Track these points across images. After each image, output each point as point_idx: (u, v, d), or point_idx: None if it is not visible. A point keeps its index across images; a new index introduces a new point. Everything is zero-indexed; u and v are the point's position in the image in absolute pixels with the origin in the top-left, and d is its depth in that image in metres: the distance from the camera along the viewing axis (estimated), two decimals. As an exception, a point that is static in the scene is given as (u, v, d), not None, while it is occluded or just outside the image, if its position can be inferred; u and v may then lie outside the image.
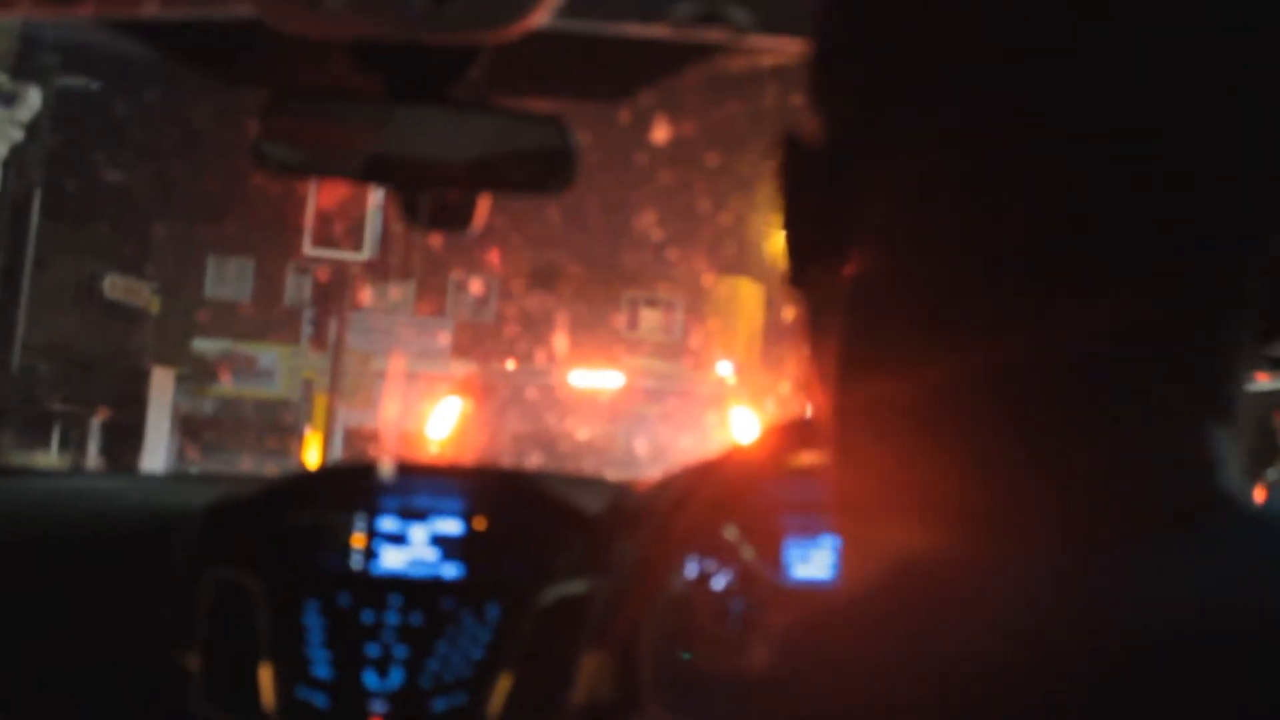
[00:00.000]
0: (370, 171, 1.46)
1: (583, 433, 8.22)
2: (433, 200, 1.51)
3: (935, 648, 0.45)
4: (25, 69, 14.27)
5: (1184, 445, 0.48)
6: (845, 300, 0.52)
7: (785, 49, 1.31)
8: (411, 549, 1.76)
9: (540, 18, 1.17)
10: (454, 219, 1.53)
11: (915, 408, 0.50)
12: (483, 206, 1.50)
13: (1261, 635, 0.43)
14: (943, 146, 0.49)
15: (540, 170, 1.41)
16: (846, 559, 0.54)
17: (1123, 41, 0.46)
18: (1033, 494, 0.48)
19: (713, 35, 1.24)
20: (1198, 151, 0.47)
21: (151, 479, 4.19)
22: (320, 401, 14.33)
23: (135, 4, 1.27)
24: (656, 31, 1.24)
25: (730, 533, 1.67)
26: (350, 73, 1.35)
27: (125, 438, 15.30)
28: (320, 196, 11.77)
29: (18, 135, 14.34)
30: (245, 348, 25.46)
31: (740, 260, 23.88)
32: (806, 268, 0.54)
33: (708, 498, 1.53)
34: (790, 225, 0.55)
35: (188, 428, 19.34)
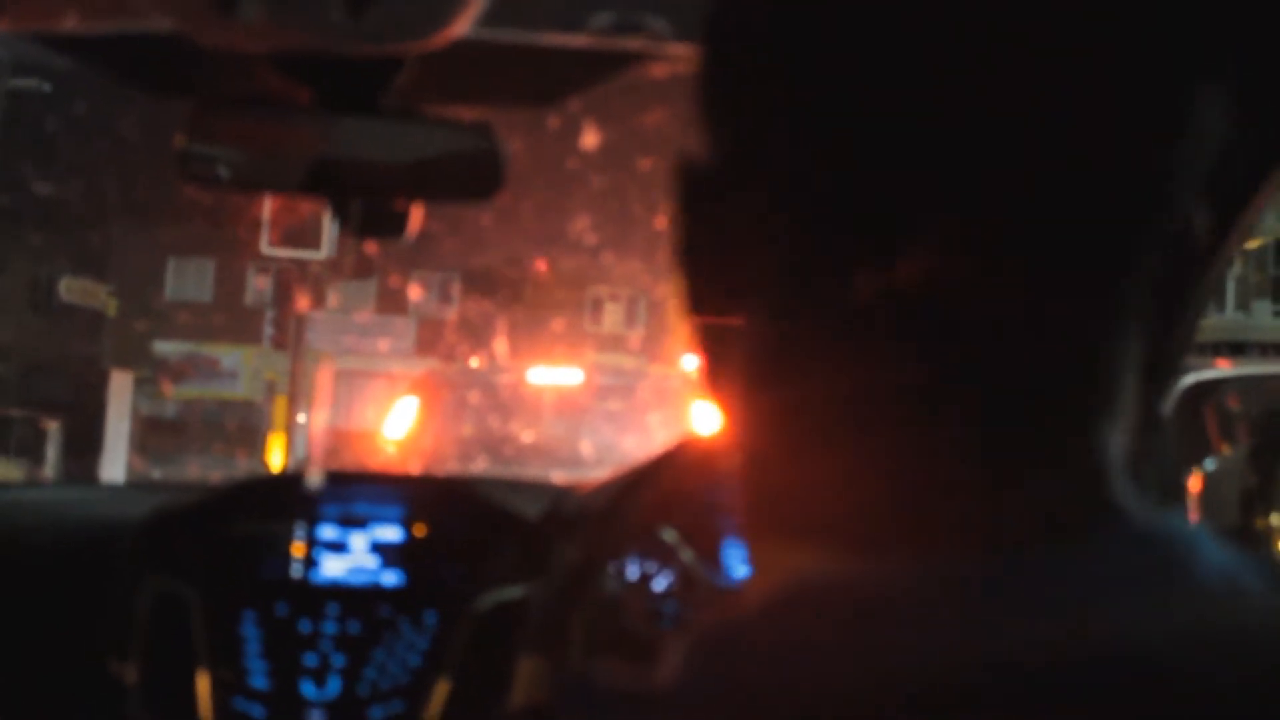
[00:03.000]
0: (299, 182, 1.46)
1: (539, 431, 8.20)
2: (365, 208, 1.51)
3: (826, 665, 0.45)
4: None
5: (1075, 454, 0.48)
6: (739, 326, 0.52)
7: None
8: (352, 556, 1.76)
9: (460, 28, 1.17)
10: (388, 226, 1.53)
11: (809, 426, 0.50)
12: (416, 213, 1.50)
13: (1117, 662, 0.44)
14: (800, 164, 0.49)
15: (470, 176, 1.42)
16: (754, 575, 0.54)
17: (967, 43, 0.47)
18: (921, 509, 0.48)
19: (633, 44, 1.24)
20: (1058, 158, 0.47)
21: (109, 488, 4.17)
22: (280, 403, 14.30)
23: (55, 19, 1.27)
24: (577, 41, 1.25)
25: (669, 534, 1.68)
26: (278, 83, 1.35)
27: (84, 443, 15.19)
28: (276, 197, 11.71)
29: (-31, 139, 14.24)
30: (208, 349, 25.33)
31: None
32: (704, 296, 0.54)
33: (646, 499, 1.53)
34: (684, 252, 0.54)
35: (149, 431, 19.22)
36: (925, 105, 0.47)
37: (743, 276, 0.52)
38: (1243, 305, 18.50)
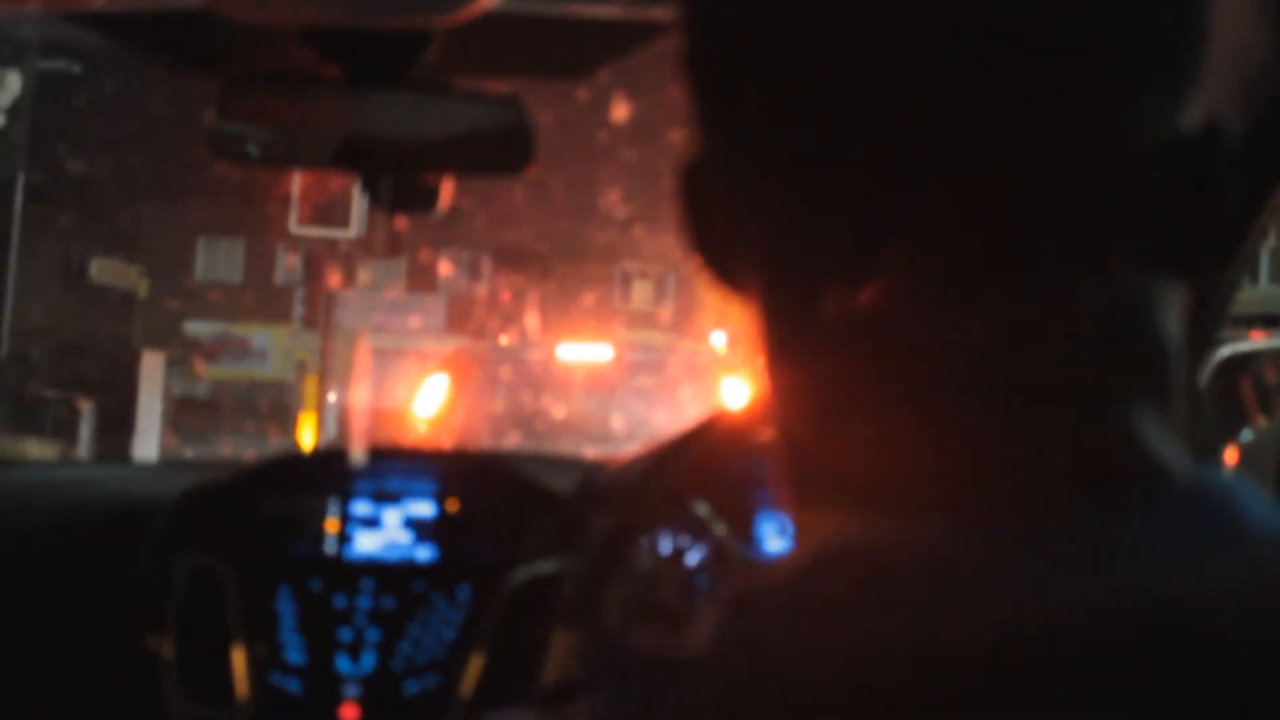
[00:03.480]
0: (329, 157, 1.46)
1: (569, 407, 8.21)
2: (396, 183, 1.51)
3: (867, 629, 0.45)
4: (4, 53, 14.23)
5: (1118, 415, 0.48)
6: (760, 298, 0.53)
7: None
8: (385, 532, 1.77)
9: (489, 1, 1.16)
10: (418, 201, 1.53)
11: (843, 392, 0.50)
12: (447, 188, 1.50)
13: (1165, 620, 0.44)
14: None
15: (500, 150, 1.42)
16: (794, 543, 0.54)
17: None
18: (963, 472, 0.48)
19: (662, 13, 1.24)
20: (1099, 140, 0.47)
21: (142, 467, 4.20)
22: (311, 382, 14.36)
23: (83, -5, 1.27)
24: (606, 11, 1.24)
25: (701, 508, 1.68)
26: (307, 59, 1.35)
27: (117, 423, 15.29)
28: (305, 174, 11.73)
29: (-1, 120, 14.32)
30: (238, 329, 25.44)
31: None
32: (729, 277, 0.55)
33: (678, 473, 1.54)
34: (700, 245, 0.55)
35: (181, 411, 19.32)
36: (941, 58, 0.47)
37: (756, 249, 0.52)
38: (1277, 278, 18.39)
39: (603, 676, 0.53)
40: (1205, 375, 1.69)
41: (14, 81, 14.19)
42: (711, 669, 0.47)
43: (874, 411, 0.49)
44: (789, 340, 0.52)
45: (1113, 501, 0.47)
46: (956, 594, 0.45)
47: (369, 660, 1.68)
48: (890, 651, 0.44)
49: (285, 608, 1.69)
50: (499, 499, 1.78)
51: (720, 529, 1.68)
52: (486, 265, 26.76)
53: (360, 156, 1.44)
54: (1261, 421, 6.77)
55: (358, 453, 1.80)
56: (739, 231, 0.53)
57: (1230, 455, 6.21)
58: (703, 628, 0.48)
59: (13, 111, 14.39)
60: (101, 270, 19.94)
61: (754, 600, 0.48)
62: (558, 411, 8.20)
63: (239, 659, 1.66)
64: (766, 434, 1.53)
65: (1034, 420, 0.48)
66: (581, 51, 1.51)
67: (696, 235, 0.55)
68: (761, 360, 0.54)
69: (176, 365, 19.81)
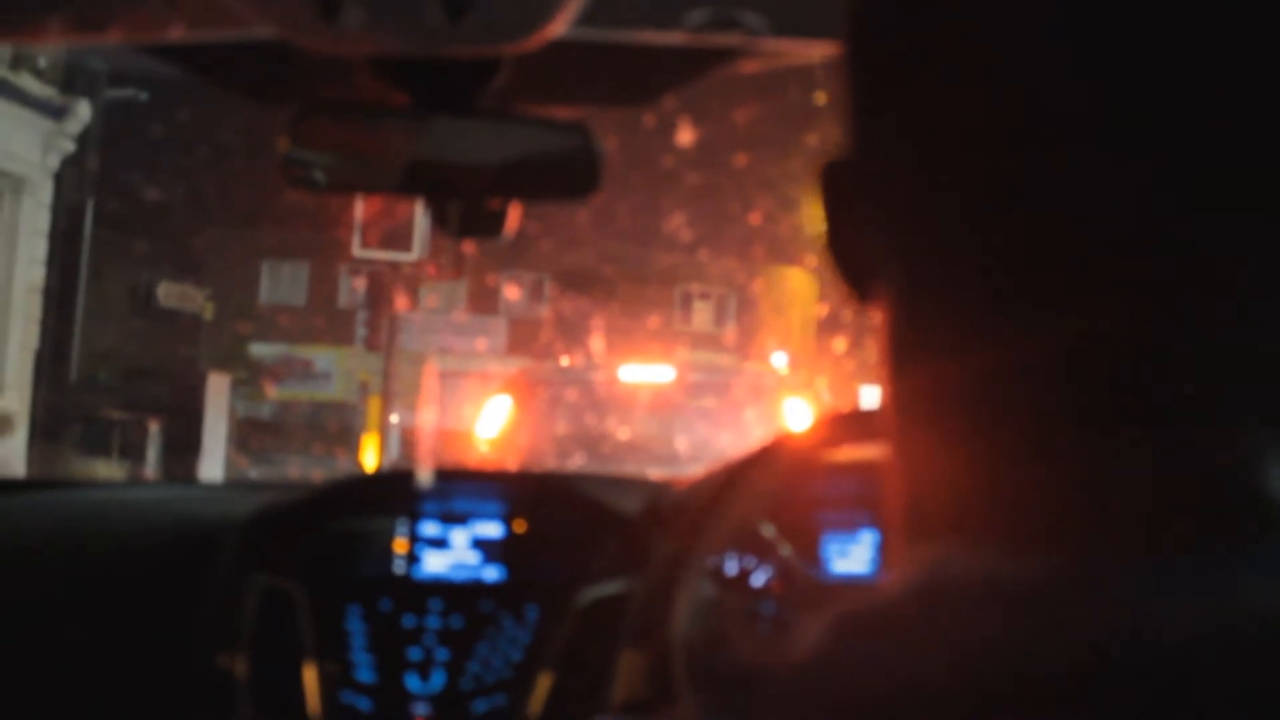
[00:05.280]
0: (398, 183, 1.48)
1: (633, 428, 8.21)
2: (464, 208, 1.53)
3: (967, 654, 0.44)
4: (74, 82, 14.44)
5: (1232, 452, 0.46)
6: (892, 308, 0.52)
7: (800, 51, 1.32)
8: (453, 552, 1.78)
9: (557, 28, 1.18)
10: (485, 226, 1.54)
11: (953, 420, 0.50)
12: (514, 213, 1.52)
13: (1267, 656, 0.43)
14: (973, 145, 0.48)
15: (567, 175, 1.43)
16: (897, 569, 0.53)
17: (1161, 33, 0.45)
18: (1070, 504, 0.47)
19: (728, 40, 1.25)
20: (1240, 151, 0.46)
21: (209, 487, 4.24)
22: (374, 403, 14.42)
23: (162, 29, 1.30)
24: (672, 38, 1.26)
25: (767, 529, 1.68)
26: (377, 87, 1.37)
27: (183, 444, 15.44)
28: (369, 198, 11.82)
29: (69, 147, 14.52)
30: (301, 351, 25.64)
31: (792, 251, 23.83)
32: (864, 284, 0.54)
33: (743, 494, 1.54)
34: (835, 246, 0.55)
35: (247, 432, 19.48)
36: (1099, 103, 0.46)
37: (897, 258, 0.51)
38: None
39: (689, 691, 0.52)
40: None
41: (84, 110, 14.40)
42: (824, 680, 0.46)
43: (989, 434, 0.48)
44: (915, 352, 0.51)
45: (1226, 540, 0.45)
46: (1071, 627, 0.44)
47: (438, 679, 1.70)
48: (998, 671, 0.44)
49: (355, 627, 1.71)
50: (565, 520, 1.79)
51: (786, 550, 1.69)
52: (549, 288, 26.83)
53: (428, 183, 1.46)
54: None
55: (424, 474, 1.82)
56: (881, 237, 0.52)
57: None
58: (809, 638, 0.48)
59: (82, 139, 14.60)
60: (168, 294, 20.16)
61: (861, 618, 0.48)
62: (621, 433, 8.19)
63: (310, 677, 1.68)
64: (850, 450, 1.53)
65: (1149, 452, 0.46)
66: (647, 78, 1.52)
67: (833, 236, 0.55)
68: (883, 373, 0.53)
69: (242, 387, 19.98)
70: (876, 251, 0.52)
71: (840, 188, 0.54)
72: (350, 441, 18.42)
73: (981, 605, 0.45)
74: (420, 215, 11.82)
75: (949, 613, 0.46)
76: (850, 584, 1.75)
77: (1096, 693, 0.43)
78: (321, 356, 25.75)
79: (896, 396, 0.52)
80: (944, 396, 0.50)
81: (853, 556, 1.77)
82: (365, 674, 1.69)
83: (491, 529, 1.79)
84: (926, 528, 0.51)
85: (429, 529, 1.79)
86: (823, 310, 24.37)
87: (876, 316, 0.53)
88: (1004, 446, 0.48)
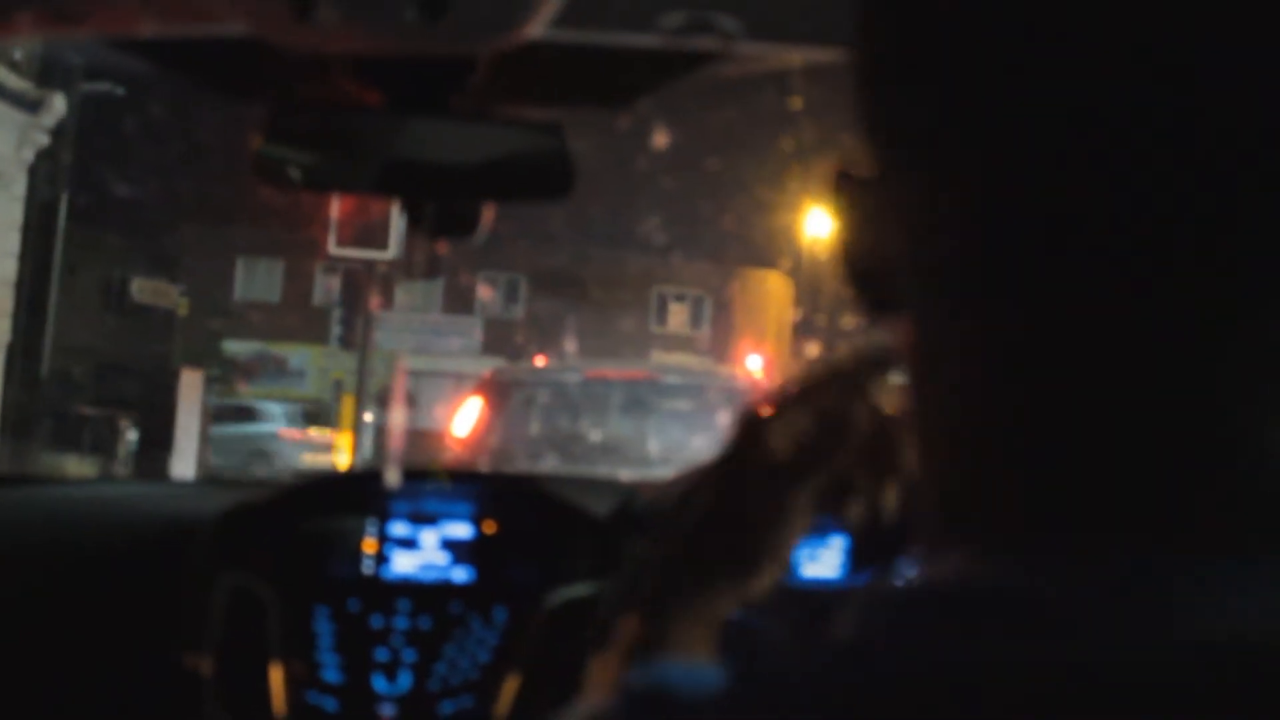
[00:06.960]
0: (373, 183, 1.48)
1: (605, 430, 8.19)
2: (438, 208, 1.53)
3: (990, 662, 0.44)
4: (49, 75, 14.38)
5: (1268, 458, 0.46)
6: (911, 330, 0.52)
7: (776, 55, 1.32)
8: (422, 553, 1.78)
9: (534, 30, 1.18)
10: (460, 226, 1.54)
11: (978, 422, 0.49)
12: (488, 213, 1.52)
13: None
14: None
15: (541, 177, 1.43)
16: (918, 573, 0.52)
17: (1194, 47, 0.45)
18: (1100, 510, 0.46)
19: (703, 43, 1.25)
20: (1241, 152, 0.45)
21: (179, 484, 4.22)
22: (348, 401, 14.38)
23: (137, 24, 1.29)
24: (648, 41, 1.25)
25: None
26: (352, 86, 1.37)
27: (156, 441, 15.38)
28: (345, 197, 11.78)
29: (43, 141, 14.45)
30: (276, 348, 25.57)
31: (768, 255, 23.87)
32: (875, 294, 0.54)
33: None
34: (852, 263, 0.54)
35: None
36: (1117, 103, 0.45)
37: (918, 269, 0.51)
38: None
39: (740, 657, 0.51)
40: None
41: (59, 104, 14.33)
42: (865, 653, 0.45)
43: (1026, 434, 0.48)
44: (938, 363, 0.51)
45: (1263, 548, 0.45)
46: (1095, 634, 0.43)
47: (405, 680, 1.69)
48: (1034, 685, 0.43)
49: (323, 627, 1.71)
50: (536, 521, 1.79)
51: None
52: (524, 288, 26.82)
53: (403, 182, 1.45)
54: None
55: (395, 474, 1.82)
56: (900, 248, 0.51)
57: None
58: (845, 615, 0.47)
59: (57, 134, 14.53)
60: (142, 290, 20.06)
61: (902, 595, 0.47)
62: (594, 435, 8.18)
63: (277, 677, 1.67)
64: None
65: (1185, 459, 0.46)
66: (622, 80, 1.52)
67: (848, 246, 0.54)
68: (908, 381, 0.53)
69: (215, 384, 19.90)
70: (893, 263, 0.52)
71: (856, 199, 0.54)
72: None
73: (1008, 618, 0.45)
74: (396, 213, 11.77)
75: (981, 614, 0.45)
76: (818, 588, 1.75)
77: (1164, 697, 0.42)
78: (296, 354, 25.69)
79: (924, 403, 0.52)
80: (967, 402, 0.50)
81: (822, 561, 1.77)
82: (332, 674, 1.69)
83: (461, 530, 1.79)
84: (956, 529, 0.50)
85: (398, 529, 1.78)
86: (798, 314, 24.41)
87: (895, 328, 0.53)
88: (1030, 449, 0.48)
